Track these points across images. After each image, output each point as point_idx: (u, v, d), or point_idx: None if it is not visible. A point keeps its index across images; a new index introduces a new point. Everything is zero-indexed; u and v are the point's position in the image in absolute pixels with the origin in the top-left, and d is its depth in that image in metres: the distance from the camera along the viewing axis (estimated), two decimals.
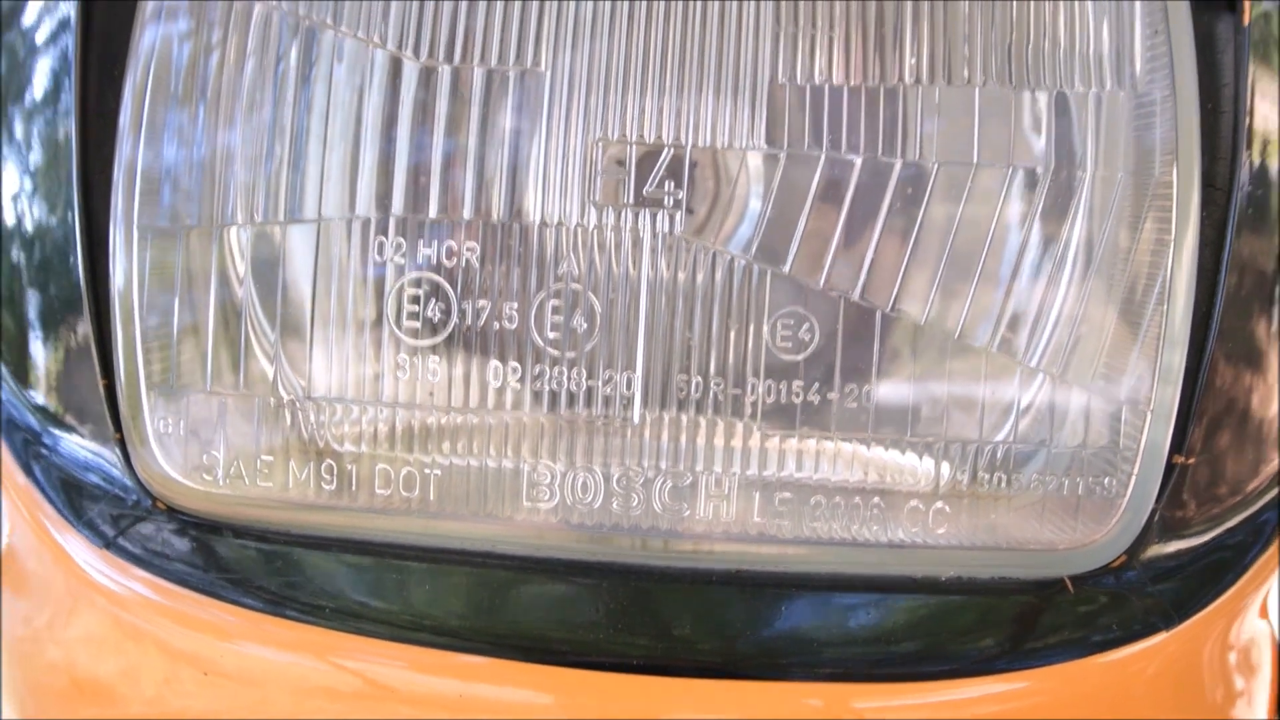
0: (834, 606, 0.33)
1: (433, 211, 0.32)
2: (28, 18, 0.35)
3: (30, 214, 0.35)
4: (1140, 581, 0.34)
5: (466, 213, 0.32)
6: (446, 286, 0.33)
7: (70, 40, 0.34)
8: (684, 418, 0.33)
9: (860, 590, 0.33)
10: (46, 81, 0.35)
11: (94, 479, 0.36)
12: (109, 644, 0.42)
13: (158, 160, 0.33)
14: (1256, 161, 0.33)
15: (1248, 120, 0.33)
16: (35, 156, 0.35)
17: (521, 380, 0.33)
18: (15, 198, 0.35)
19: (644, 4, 0.32)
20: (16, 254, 0.36)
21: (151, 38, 0.33)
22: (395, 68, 0.32)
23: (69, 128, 0.34)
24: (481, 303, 0.33)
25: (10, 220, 0.36)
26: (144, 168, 0.33)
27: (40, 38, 0.35)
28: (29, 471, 0.38)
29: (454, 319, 0.33)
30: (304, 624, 0.34)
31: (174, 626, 0.38)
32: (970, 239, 0.32)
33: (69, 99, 0.34)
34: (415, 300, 0.33)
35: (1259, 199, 0.33)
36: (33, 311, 0.36)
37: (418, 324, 0.33)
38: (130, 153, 0.33)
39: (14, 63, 0.35)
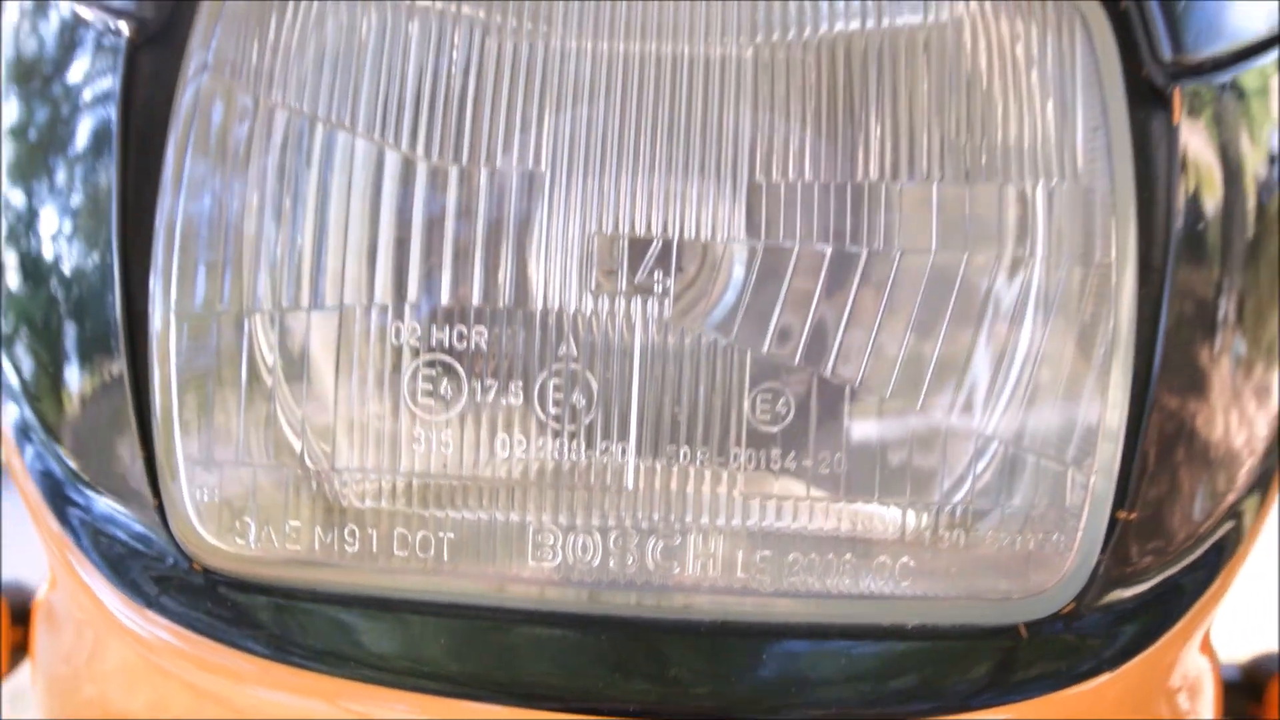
0: (811, 652, 0.37)
1: (445, 299, 0.36)
2: (73, 74, 0.38)
3: (68, 285, 0.38)
4: (1088, 626, 0.37)
5: (475, 300, 0.36)
6: (458, 367, 0.36)
7: (112, 107, 0.37)
8: (673, 484, 0.36)
9: (835, 638, 0.37)
10: (89, 135, 0.38)
11: (131, 540, 0.39)
12: (140, 684, 0.45)
13: (194, 236, 0.36)
14: (1187, 244, 0.37)
15: (1180, 207, 0.36)
16: (76, 203, 0.38)
17: (526, 451, 0.36)
18: (56, 262, 0.38)
19: (634, 116, 0.35)
20: (52, 319, 0.39)
21: (193, 95, 0.36)
22: (408, 168, 0.36)
23: (110, 178, 0.37)
24: (489, 381, 0.36)
25: (49, 292, 0.39)
26: (182, 239, 0.36)
27: (86, 96, 0.38)
28: (65, 522, 0.41)
29: (464, 396, 0.36)
30: (328, 675, 0.37)
31: (200, 673, 0.41)
32: (929, 320, 0.36)
33: (111, 152, 0.37)
34: (429, 379, 0.36)
35: (1190, 278, 0.37)
36: (72, 386, 0.39)
37: (432, 401, 0.36)
38: (170, 207, 0.36)
39: (56, 115, 0.38)
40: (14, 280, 0.41)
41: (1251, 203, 0.38)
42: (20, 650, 0.77)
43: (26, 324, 0.41)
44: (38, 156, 0.40)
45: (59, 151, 0.39)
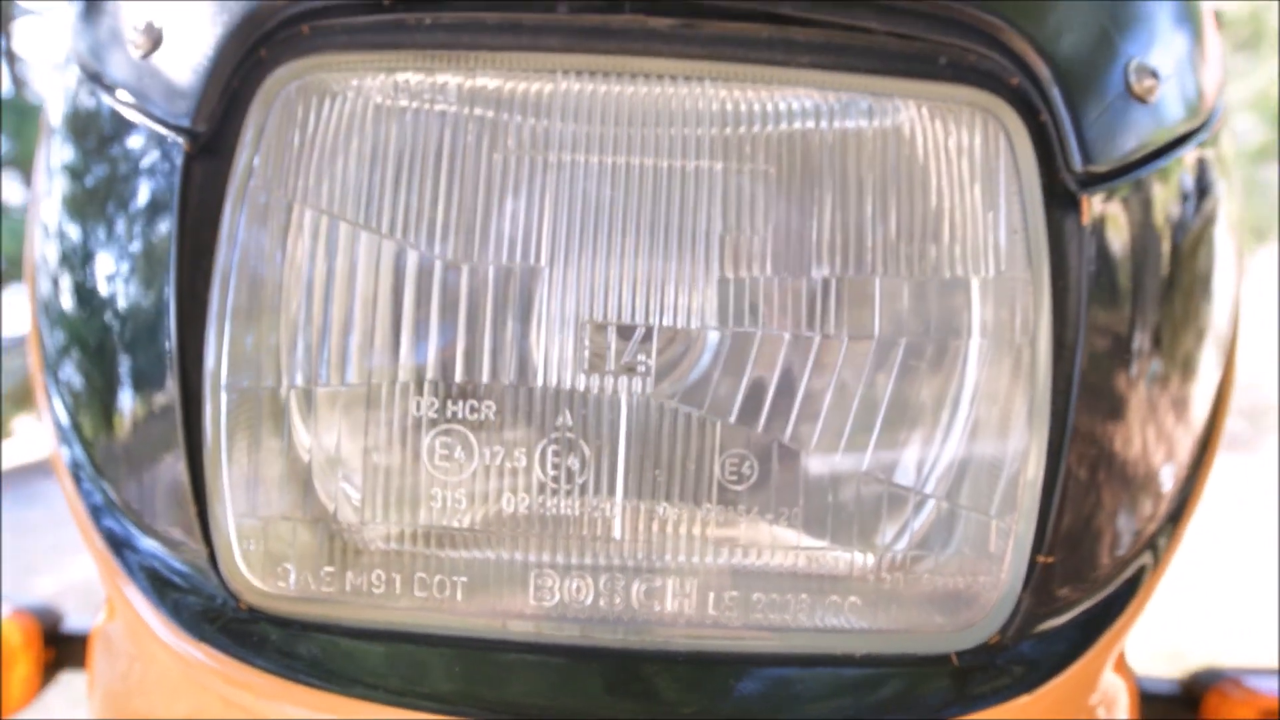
0: (775, 677, 0.43)
1: (458, 377, 0.42)
2: (134, 141, 0.44)
3: (126, 348, 0.44)
4: (1012, 654, 0.43)
5: (485, 378, 0.42)
6: (470, 436, 0.42)
7: (176, 178, 0.42)
8: (654, 535, 0.42)
9: (794, 665, 0.43)
10: (149, 196, 0.43)
11: (182, 580, 0.45)
12: (181, 698, 0.51)
13: (242, 310, 0.42)
14: (1097, 324, 0.43)
15: (1088, 293, 0.42)
16: (135, 252, 0.43)
17: (529, 506, 0.42)
18: (121, 329, 0.44)
19: (621, 219, 0.41)
20: (108, 382, 0.45)
21: (248, 161, 0.42)
22: (426, 265, 0.42)
23: (171, 227, 0.42)
24: (497, 448, 0.42)
25: (107, 348, 0.45)
26: (233, 318, 0.42)
27: (146, 162, 0.43)
28: (121, 560, 0.47)
29: (475, 461, 0.42)
30: (359, 699, 0.43)
31: (240, 693, 0.47)
32: (872, 396, 0.42)
33: (172, 211, 0.42)
34: (446, 446, 0.42)
35: (1099, 353, 0.43)
36: (132, 453, 0.44)
37: (448, 464, 0.42)
38: (225, 259, 0.42)
39: (114, 173, 0.44)
40: (72, 350, 0.47)
41: (1158, 286, 0.44)
42: (51, 669, 0.83)
43: (83, 354, 0.47)
44: (94, 204, 0.45)
45: (119, 205, 0.44)
